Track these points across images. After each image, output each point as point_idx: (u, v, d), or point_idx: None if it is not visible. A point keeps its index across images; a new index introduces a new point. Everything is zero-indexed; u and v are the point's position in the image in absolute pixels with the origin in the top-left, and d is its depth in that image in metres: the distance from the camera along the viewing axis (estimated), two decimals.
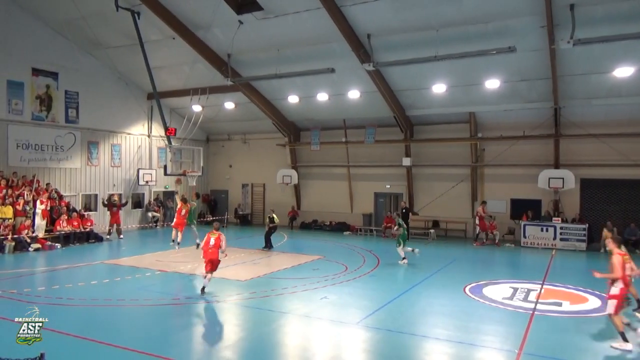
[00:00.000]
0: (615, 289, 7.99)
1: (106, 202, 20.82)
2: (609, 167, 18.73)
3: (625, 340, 7.80)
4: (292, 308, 10.11)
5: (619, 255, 8.16)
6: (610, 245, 8.78)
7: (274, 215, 17.88)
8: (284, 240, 20.90)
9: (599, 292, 11.53)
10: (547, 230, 19.00)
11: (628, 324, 8.21)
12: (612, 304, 7.95)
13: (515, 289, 11.72)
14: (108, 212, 20.64)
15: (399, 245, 15.53)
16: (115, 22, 19.07)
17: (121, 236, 20.19)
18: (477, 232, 20.26)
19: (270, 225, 17.83)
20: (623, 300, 8.03)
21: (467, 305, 10.45)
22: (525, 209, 20.09)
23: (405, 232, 16.02)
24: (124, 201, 21.93)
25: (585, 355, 7.78)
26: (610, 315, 8.04)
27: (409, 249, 15.62)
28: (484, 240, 19.94)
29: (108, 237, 19.85)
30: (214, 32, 18.79)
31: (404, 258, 15.33)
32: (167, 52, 20.75)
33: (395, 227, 16.14)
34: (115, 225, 20.32)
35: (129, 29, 19.02)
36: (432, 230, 21.54)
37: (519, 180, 20.70)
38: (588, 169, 19.23)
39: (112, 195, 22.03)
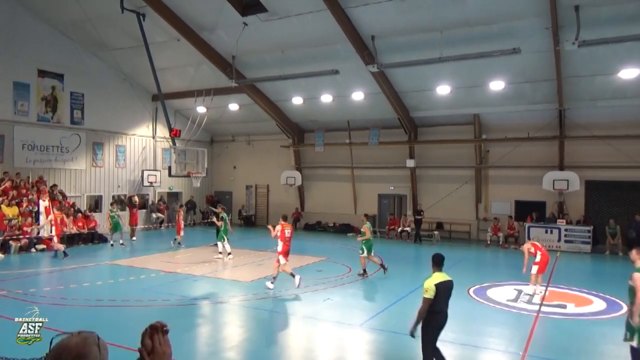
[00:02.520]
0: (280, 247, 11.59)
1: (127, 203, 21.23)
2: (614, 169, 18.63)
3: (272, 282, 11.49)
4: (296, 309, 10.12)
5: (280, 225, 11.72)
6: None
7: (223, 215, 16.94)
8: None
9: (604, 294, 11.49)
10: (551, 232, 18.92)
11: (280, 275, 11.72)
12: (281, 258, 11.54)
13: (520, 291, 11.68)
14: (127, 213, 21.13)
15: (223, 239, 15.79)
16: (121, 23, 19.15)
17: (134, 238, 20.32)
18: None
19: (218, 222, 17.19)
20: (287, 253, 11.63)
21: (471, 307, 10.42)
22: (529, 211, 20.02)
23: (227, 227, 16.05)
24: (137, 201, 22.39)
25: (590, 358, 7.75)
26: (279, 263, 11.53)
27: (229, 249, 15.85)
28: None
29: (134, 239, 20.11)
30: (219, 34, 18.85)
31: (229, 253, 15.67)
32: (172, 53, 20.82)
33: (217, 220, 16.38)
34: (131, 227, 20.60)
35: (134, 30, 19.10)
36: (436, 232, 21.50)
37: (523, 182, 20.63)
38: (593, 171, 19.14)
39: (132, 196, 22.18)
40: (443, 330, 8.76)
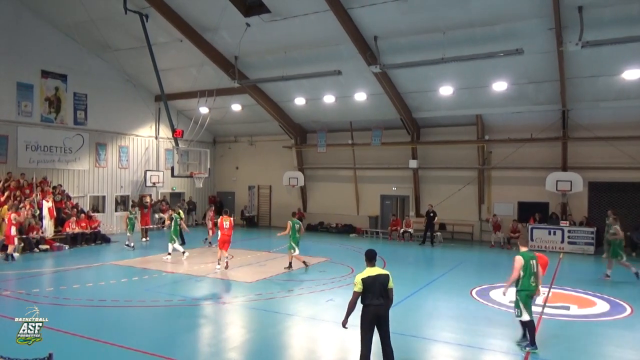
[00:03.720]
0: (218, 236, 13.98)
1: (138, 204, 21.10)
2: (618, 170, 18.58)
3: (221, 265, 14.00)
4: (298, 310, 10.11)
5: (220, 218, 14.28)
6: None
7: (178, 213, 16.69)
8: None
9: (607, 296, 11.46)
10: (554, 234, 18.86)
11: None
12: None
13: None
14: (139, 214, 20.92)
15: (173, 241, 15.77)
16: (124, 24, 19.22)
17: (147, 239, 20.28)
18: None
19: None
20: (224, 242, 13.94)
21: (474, 308, 10.40)
22: (532, 212, 19.96)
23: (176, 228, 15.91)
24: (154, 200, 22.31)
25: (593, 359, 7.73)
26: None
27: (181, 249, 15.82)
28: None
29: (147, 239, 20.10)
30: (222, 35, 18.87)
31: (169, 254, 15.61)
32: (175, 54, 20.87)
33: (168, 221, 16.42)
34: (144, 228, 20.49)
35: (137, 31, 19.15)
36: (438, 233, 21.45)
37: (526, 183, 20.59)
38: (596, 172, 19.08)
39: (144, 196, 22.11)
40: (446, 332, 8.79)
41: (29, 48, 19.41)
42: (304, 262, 14.22)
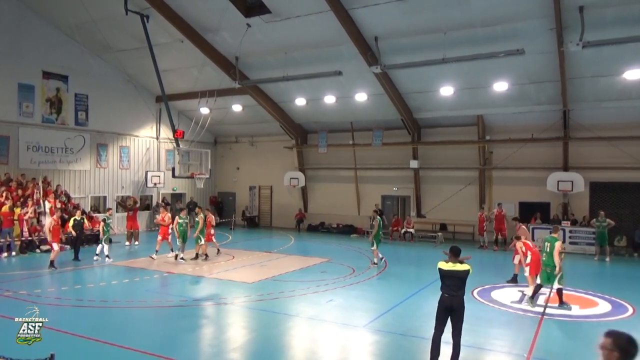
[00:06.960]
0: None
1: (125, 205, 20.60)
2: (619, 170, 18.55)
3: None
4: (299, 310, 10.11)
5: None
6: None
7: (76, 217, 16.08)
8: (291, 242, 20.92)
9: (609, 296, 11.44)
10: None
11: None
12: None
13: (524, 293, 11.63)
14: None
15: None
16: (125, 25, 19.22)
17: (137, 242, 19.63)
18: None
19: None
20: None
21: (475, 308, 10.36)
22: (533, 212, 19.92)
23: (108, 229, 16.01)
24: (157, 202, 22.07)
25: None
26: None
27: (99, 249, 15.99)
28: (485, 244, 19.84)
29: (127, 244, 19.35)
30: (222, 35, 18.89)
31: (97, 255, 15.80)
32: (176, 55, 20.89)
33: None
34: (131, 231, 19.63)
35: (138, 32, 19.16)
36: (439, 233, 21.44)
37: (527, 183, 20.56)
38: (598, 172, 19.05)
39: (129, 197, 21.83)
40: (446, 332, 8.76)
41: (30, 49, 19.42)
42: (201, 252, 15.86)
